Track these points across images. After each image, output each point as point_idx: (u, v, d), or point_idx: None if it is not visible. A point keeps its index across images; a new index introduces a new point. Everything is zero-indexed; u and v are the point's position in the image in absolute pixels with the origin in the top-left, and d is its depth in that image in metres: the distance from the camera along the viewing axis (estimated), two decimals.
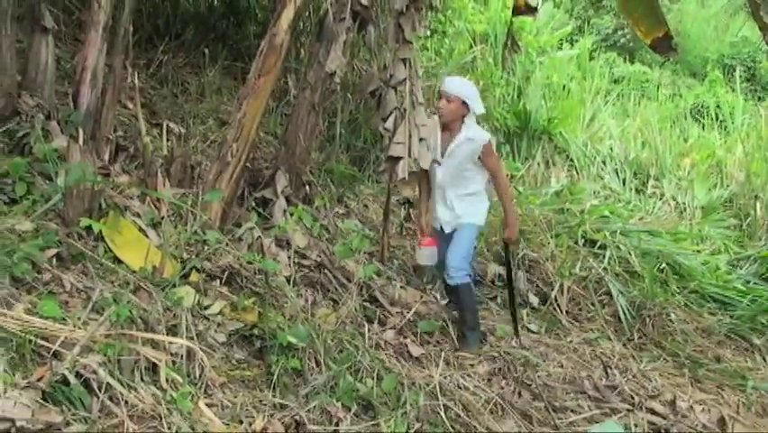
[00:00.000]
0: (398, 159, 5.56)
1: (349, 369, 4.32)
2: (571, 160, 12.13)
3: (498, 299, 6.72)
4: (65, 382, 3.25)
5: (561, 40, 15.39)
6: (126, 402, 3.35)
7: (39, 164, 5.24)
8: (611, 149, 12.71)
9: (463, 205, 5.63)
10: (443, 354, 5.17)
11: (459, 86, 5.57)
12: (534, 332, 6.26)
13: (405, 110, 5.64)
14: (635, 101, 15.62)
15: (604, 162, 12.25)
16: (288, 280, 4.92)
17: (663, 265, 7.75)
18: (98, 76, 6.27)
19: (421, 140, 5.66)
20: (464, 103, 5.45)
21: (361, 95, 8.62)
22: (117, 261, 4.75)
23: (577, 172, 11.87)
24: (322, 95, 6.41)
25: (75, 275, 4.43)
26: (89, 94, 6.21)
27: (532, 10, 7.45)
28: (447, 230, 5.71)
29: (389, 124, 5.68)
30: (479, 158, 5.54)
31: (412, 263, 6.48)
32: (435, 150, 5.51)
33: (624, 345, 6.42)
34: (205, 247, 4.88)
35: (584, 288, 7.15)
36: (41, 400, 3.09)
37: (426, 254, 5.64)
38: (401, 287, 6.01)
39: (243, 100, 5.44)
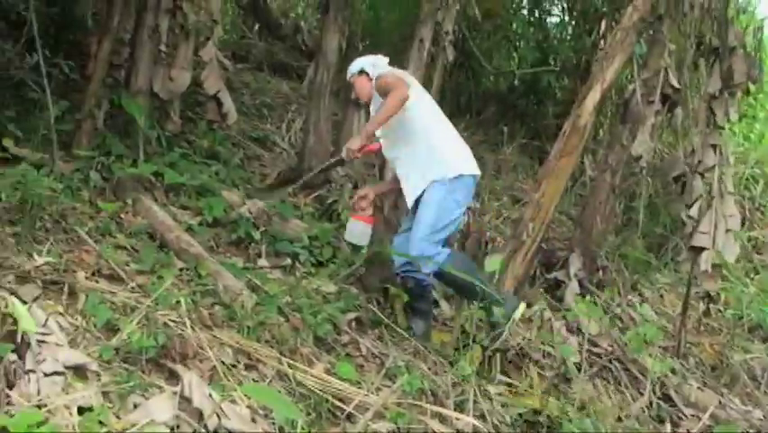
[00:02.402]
0: (702, 249, 5.26)
1: None
2: None
3: None
4: None
5: None
6: None
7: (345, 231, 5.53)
8: None
9: (415, 164, 4.60)
10: None
11: (350, 68, 4.92)
12: None
13: (712, 198, 5.36)
14: None
15: None
16: (577, 368, 4.74)
17: None
18: None
19: (727, 231, 5.34)
20: (361, 72, 4.81)
21: (663, 179, 8.29)
22: (410, 329, 4.86)
23: None
24: (622, 177, 6.24)
25: (371, 340, 4.60)
26: None
27: None
28: (409, 204, 4.69)
29: (694, 211, 5.40)
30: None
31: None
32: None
33: None
34: (496, 325, 4.84)
35: None
36: None
37: (356, 230, 4.82)
38: (698, 387, 5.59)
39: (543, 180, 5.41)
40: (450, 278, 4.54)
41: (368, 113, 7.60)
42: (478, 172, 4.75)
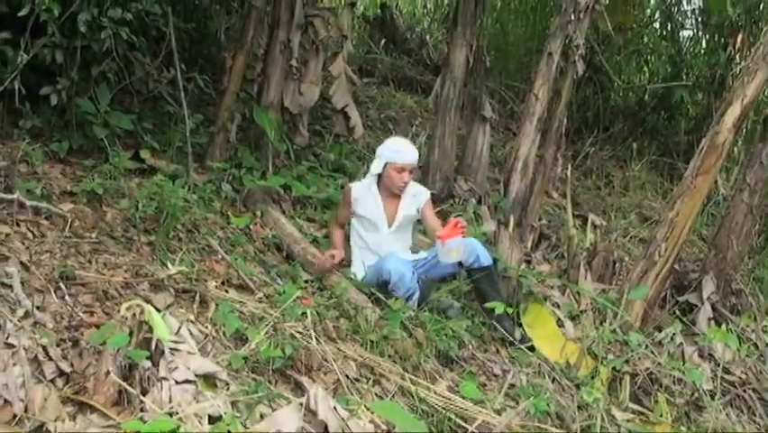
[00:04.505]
0: None
1: None
2: None
3: None
4: None
5: None
6: None
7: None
8: None
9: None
10: None
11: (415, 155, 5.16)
12: None
13: None
14: None
15: None
16: (710, 396, 4.54)
17: None
18: (529, 165, 6.47)
19: None
20: None
21: None
22: (532, 348, 4.77)
23: None
24: (761, 197, 5.95)
25: (493, 357, 4.54)
26: (519, 182, 6.41)
27: None
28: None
29: None
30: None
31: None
32: (381, 219, 5.10)
33: None
34: (624, 348, 4.70)
35: None
36: None
37: (454, 246, 4.67)
38: None
39: (677, 199, 5.20)
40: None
41: (493, 128, 7.55)
42: None
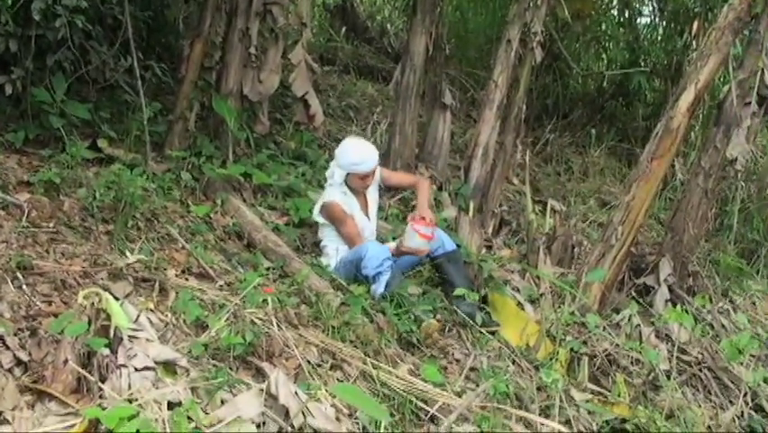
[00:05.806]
0: None
1: None
2: None
3: None
4: None
5: None
6: None
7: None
8: None
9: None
10: None
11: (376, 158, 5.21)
12: None
13: None
14: None
15: None
16: (666, 376, 4.62)
17: None
18: (489, 152, 6.52)
19: None
20: None
21: (760, 183, 8.05)
22: (492, 331, 4.82)
23: None
24: (716, 181, 6.05)
25: (454, 340, 4.59)
26: (480, 168, 6.47)
27: None
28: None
29: None
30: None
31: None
32: (361, 215, 5.25)
33: None
34: (582, 330, 4.77)
35: None
36: None
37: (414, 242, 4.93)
38: None
39: (633, 183, 5.29)
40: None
41: (453, 115, 7.58)
42: None
